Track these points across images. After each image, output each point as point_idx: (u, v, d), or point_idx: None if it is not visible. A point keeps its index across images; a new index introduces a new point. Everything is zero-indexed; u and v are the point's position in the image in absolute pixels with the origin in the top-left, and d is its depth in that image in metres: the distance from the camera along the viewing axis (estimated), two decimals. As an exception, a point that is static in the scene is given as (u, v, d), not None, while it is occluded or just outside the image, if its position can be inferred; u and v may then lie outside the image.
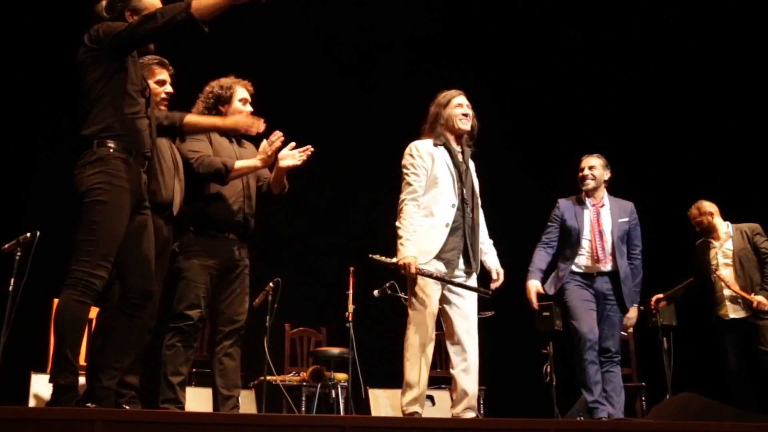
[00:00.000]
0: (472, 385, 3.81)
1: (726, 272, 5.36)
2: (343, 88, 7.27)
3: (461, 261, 3.82)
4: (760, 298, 5.19)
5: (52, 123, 6.13)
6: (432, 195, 3.80)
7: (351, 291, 5.01)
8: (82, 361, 3.13)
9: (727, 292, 5.34)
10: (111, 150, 2.88)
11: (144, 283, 2.97)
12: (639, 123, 7.18)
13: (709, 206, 5.54)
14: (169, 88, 3.62)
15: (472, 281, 3.89)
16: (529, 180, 7.43)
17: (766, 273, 5.29)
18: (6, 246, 4.27)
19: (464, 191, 3.84)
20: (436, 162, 3.82)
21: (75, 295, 2.77)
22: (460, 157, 3.91)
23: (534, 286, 4.74)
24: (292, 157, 3.80)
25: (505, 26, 7.57)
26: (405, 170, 3.85)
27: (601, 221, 4.79)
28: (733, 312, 5.31)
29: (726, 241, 5.47)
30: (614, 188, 5.02)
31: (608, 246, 4.72)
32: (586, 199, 4.84)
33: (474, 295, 3.88)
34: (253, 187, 3.87)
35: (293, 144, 3.83)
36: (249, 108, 3.84)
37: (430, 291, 3.72)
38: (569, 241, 4.80)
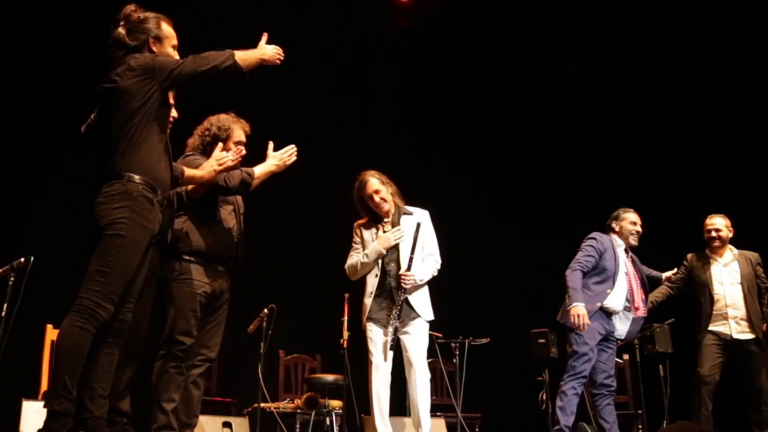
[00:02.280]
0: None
1: (735, 295, 5.30)
2: (341, 111, 7.32)
3: (392, 319, 4.23)
4: None
5: (46, 148, 6.14)
6: None
7: (346, 318, 4.98)
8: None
9: (732, 311, 5.27)
10: (140, 187, 2.92)
11: (122, 314, 2.97)
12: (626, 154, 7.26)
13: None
14: (174, 112, 3.65)
15: (416, 325, 4.26)
16: (518, 220, 7.52)
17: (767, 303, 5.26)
18: (-1, 271, 4.24)
19: (385, 260, 4.32)
20: (365, 240, 4.44)
21: (79, 322, 2.76)
22: (387, 227, 4.42)
23: (584, 309, 4.67)
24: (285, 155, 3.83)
25: (498, 54, 7.65)
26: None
27: (637, 271, 4.98)
28: (737, 333, 5.24)
29: (731, 263, 5.42)
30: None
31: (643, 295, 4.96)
32: (622, 244, 4.99)
33: (415, 336, 4.24)
34: (241, 221, 3.92)
35: (271, 144, 3.85)
36: (243, 151, 3.83)
37: (370, 335, 4.28)
38: (600, 278, 4.82)
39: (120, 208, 2.86)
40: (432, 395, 6.01)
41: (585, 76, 7.44)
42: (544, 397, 5.34)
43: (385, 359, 4.18)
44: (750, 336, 5.22)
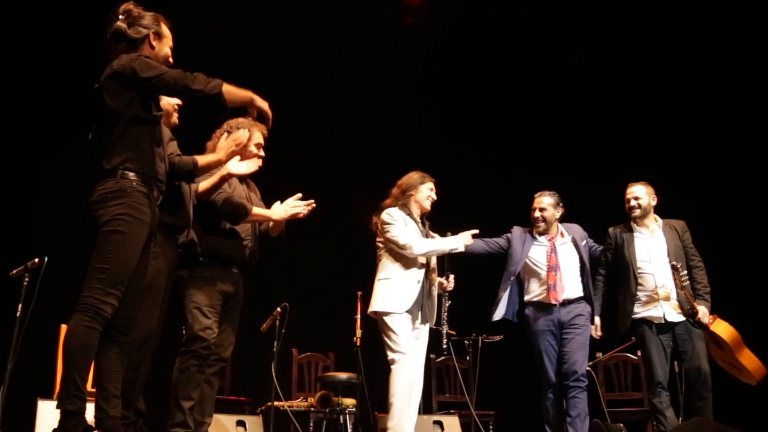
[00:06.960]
0: None
1: (665, 273, 4.73)
2: (350, 109, 7.32)
3: (420, 314, 4.40)
4: (703, 309, 4.63)
5: (59, 149, 6.17)
6: (403, 255, 4.37)
7: (359, 316, 4.99)
8: (89, 387, 3.10)
9: (663, 291, 4.69)
10: (134, 183, 2.92)
11: (130, 311, 2.97)
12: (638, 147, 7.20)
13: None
14: (174, 118, 3.68)
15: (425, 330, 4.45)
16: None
17: (699, 280, 4.73)
18: (14, 272, 4.26)
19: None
20: (409, 227, 4.41)
21: (84, 321, 2.77)
22: (421, 227, 4.54)
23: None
24: (296, 207, 3.95)
25: (507, 52, 7.62)
26: (388, 226, 4.38)
27: (557, 256, 4.91)
28: (671, 315, 4.69)
29: (653, 234, 4.86)
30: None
31: (565, 277, 4.84)
32: (537, 235, 5.04)
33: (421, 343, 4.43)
34: (256, 227, 4.03)
35: (300, 195, 3.99)
36: (261, 153, 3.92)
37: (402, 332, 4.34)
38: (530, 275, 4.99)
39: (116, 204, 2.87)
40: (446, 392, 6.07)
41: (595, 68, 7.39)
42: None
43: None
44: (681, 318, 4.71)
